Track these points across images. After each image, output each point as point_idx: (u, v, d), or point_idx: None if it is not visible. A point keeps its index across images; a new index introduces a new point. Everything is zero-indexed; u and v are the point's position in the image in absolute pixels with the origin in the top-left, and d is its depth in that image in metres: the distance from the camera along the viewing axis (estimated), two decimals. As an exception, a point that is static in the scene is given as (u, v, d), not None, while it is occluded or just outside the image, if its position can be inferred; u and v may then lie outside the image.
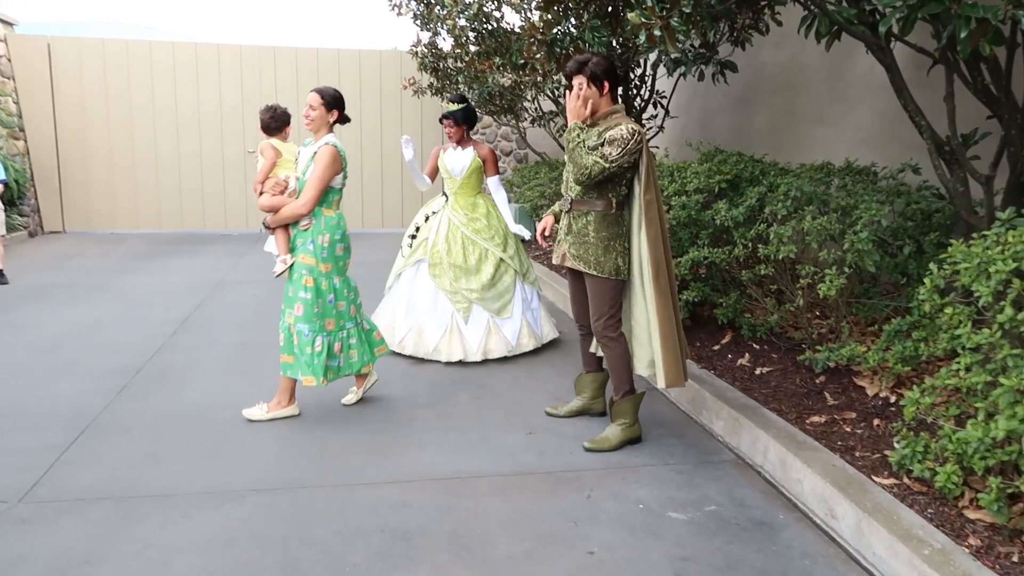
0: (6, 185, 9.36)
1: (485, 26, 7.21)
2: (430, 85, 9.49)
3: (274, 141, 4.02)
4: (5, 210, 9.64)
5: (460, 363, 4.79)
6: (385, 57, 11.27)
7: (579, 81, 3.42)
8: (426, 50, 8.94)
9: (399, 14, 8.71)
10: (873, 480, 2.77)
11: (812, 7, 3.71)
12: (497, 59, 6.98)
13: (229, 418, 3.81)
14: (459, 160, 4.98)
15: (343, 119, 3.87)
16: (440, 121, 4.99)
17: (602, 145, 3.30)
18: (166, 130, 10.86)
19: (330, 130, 3.83)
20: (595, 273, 3.44)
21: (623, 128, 3.30)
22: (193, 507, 2.89)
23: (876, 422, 3.26)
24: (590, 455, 3.42)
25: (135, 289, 7.02)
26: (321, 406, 4.02)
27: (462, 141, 5.00)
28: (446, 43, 8.64)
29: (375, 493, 3.03)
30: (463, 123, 4.93)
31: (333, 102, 3.79)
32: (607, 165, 3.29)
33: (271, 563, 2.51)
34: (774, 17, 5.13)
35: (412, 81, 9.70)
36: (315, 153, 3.73)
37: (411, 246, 5.06)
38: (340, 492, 3.04)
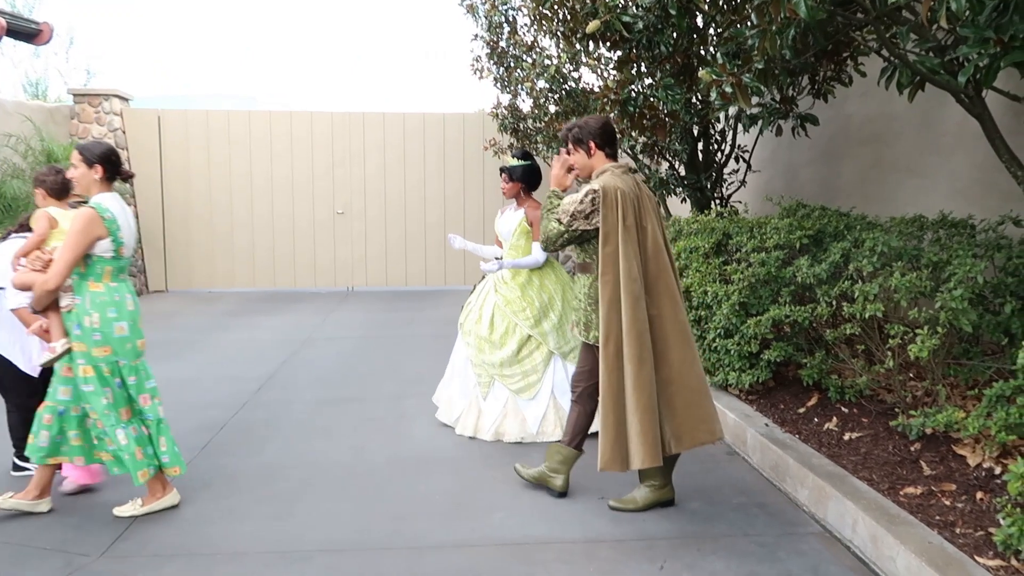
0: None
1: (563, 87, 7.34)
2: (510, 145, 9.66)
3: (54, 209, 3.56)
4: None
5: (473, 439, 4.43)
6: (468, 119, 11.58)
7: (568, 148, 3.44)
8: (506, 111, 9.13)
9: (480, 78, 8.97)
10: (975, 561, 2.54)
11: (892, 58, 3.59)
12: (574, 119, 7.08)
13: (304, 477, 3.86)
14: (508, 222, 4.60)
15: (115, 175, 3.33)
16: (501, 174, 4.63)
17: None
18: (261, 193, 11.43)
19: (106, 188, 3.30)
20: (581, 336, 3.40)
21: (583, 189, 3.25)
22: (264, 566, 2.92)
23: (979, 495, 3.01)
24: (664, 522, 3.27)
25: (228, 346, 7.30)
26: (395, 462, 4.03)
27: (519, 200, 4.58)
28: (525, 104, 8.81)
29: (444, 557, 2.99)
30: (519, 180, 4.52)
31: (94, 158, 3.24)
32: (562, 228, 3.27)
33: (334, 628, 2.49)
34: (857, 68, 5.01)
35: (493, 142, 9.92)
36: None
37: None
38: (408, 555, 3.01)
